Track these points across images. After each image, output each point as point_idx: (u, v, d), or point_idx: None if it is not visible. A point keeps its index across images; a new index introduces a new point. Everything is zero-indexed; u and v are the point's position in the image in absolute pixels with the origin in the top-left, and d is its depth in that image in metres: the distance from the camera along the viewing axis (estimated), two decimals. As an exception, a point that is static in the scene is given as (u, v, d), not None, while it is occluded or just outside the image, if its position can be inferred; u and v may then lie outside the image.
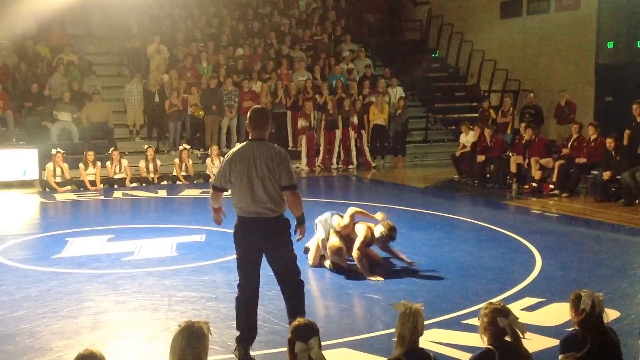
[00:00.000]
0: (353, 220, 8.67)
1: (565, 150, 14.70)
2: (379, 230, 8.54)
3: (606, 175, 13.43)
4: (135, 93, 17.79)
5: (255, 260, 5.88)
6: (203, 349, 3.72)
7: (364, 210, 8.97)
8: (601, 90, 18.56)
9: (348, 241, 8.57)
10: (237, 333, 5.93)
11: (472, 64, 21.80)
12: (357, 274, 8.37)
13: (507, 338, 4.33)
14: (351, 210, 8.79)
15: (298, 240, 5.91)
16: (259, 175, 5.70)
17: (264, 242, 5.78)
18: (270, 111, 6.45)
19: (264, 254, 5.89)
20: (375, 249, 8.83)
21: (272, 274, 5.97)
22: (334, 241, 8.46)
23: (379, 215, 8.81)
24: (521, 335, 4.35)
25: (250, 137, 5.91)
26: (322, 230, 8.68)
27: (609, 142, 13.70)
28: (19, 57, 18.04)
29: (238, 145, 5.98)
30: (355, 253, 8.38)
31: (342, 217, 8.71)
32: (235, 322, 6.02)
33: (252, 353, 5.84)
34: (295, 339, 4.04)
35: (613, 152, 13.65)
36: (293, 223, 5.92)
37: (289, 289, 5.89)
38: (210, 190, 6.10)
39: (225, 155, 5.99)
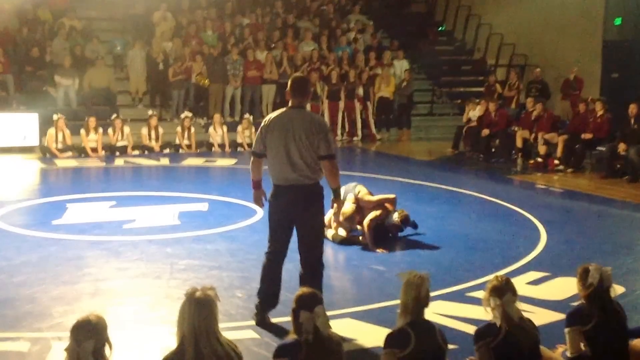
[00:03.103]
0: (375, 203, 8.61)
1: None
2: (393, 217, 8.54)
3: (621, 147, 13.17)
4: (138, 60, 17.61)
5: (286, 230, 5.85)
6: (212, 316, 3.68)
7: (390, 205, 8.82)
8: (608, 66, 18.36)
9: (360, 214, 8.56)
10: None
11: (479, 38, 21.58)
12: (361, 245, 8.34)
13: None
14: (383, 195, 8.80)
15: (334, 214, 5.80)
16: (296, 142, 5.63)
17: (297, 206, 5.72)
18: (309, 80, 6.38)
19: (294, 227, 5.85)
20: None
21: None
22: (348, 207, 8.42)
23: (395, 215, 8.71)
24: (513, 318, 4.26)
25: (290, 105, 5.82)
26: (346, 203, 8.62)
27: (632, 108, 13.38)
28: (20, 21, 17.84)
29: (276, 112, 5.89)
30: (366, 222, 8.34)
31: (368, 191, 8.72)
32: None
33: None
34: (300, 308, 4.00)
35: (632, 120, 13.38)
36: (327, 195, 5.88)
37: (310, 269, 5.79)
38: (251, 158, 6.00)
39: (263, 121, 5.91)
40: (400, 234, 8.80)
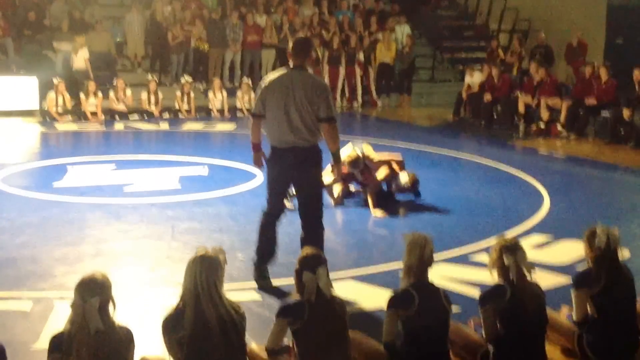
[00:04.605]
0: (382, 162, 8.53)
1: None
2: (403, 179, 8.48)
3: (626, 113, 13.04)
4: (136, 24, 17.40)
5: (283, 190, 5.88)
6: (217, 276, 3.69)
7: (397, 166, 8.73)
8: (612, 31, 18.18)
9: (365, 172, 8.46)
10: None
11: (482, 3, 21.32)
12: (364, 208, 8.31)
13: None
14: (390, 155, 8.77)
15: (334, 181, 5.75)
16: (296, 104, 5.54)
17: (295, 169, 5.67)
18: (311, 41, 6.28)
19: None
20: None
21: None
22: (351, 152, 8.31)
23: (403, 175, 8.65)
24: (527, 274, 4.23)
25: (291, 65, 5.73)
26: (350, 148, 8.54)
27: (637, 73, 13.22)
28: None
29: (276, 72, 5.80)
30: (375, 180, 8.32)
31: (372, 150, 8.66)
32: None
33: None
34: (303, 269, 4.00)
35: (637, 85, 13.20)
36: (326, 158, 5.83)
37: (310, 231, 5.76)
38: (250, 120, 5.92)
39: (262, 81, 5.82)
40: (401, 198, 8.74)
